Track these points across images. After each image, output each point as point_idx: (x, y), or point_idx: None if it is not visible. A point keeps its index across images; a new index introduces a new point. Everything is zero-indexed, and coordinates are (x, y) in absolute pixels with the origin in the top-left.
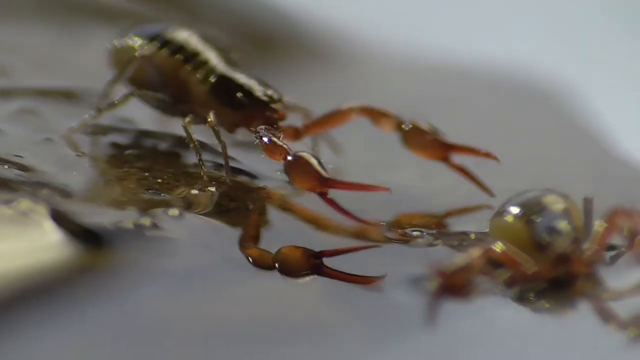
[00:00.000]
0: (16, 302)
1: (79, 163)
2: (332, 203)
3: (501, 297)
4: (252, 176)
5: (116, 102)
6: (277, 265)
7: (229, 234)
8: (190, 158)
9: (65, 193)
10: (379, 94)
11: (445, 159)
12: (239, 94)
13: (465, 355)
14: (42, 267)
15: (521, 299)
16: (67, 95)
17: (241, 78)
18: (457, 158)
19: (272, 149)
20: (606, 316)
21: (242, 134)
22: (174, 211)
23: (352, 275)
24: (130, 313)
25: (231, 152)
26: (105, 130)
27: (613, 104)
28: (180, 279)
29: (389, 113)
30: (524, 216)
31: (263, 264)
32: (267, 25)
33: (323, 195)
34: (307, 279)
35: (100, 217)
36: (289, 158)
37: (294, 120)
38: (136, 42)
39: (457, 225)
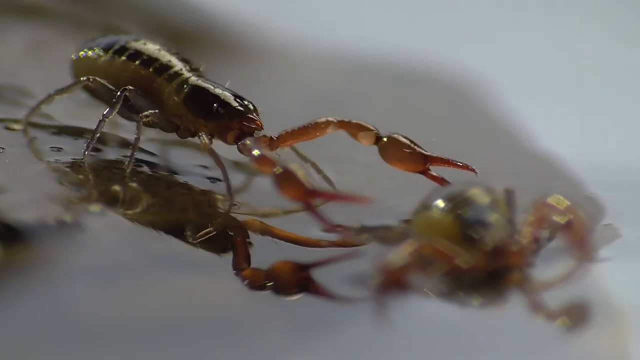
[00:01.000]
0: None
1: None
2: (315, 213)
3: (434, 292)
4: (173, 171)
5: (111, 109)
6: (268, 283)
7: (150, 230)
8: (111, 154)
9: None
10: (291, 89)
11: (424, 171)
12: (215, 105)
13: (392, 352)
14: None
15: (452, 293)
16: None
17: (215, 88)
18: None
19: (262, 162)
20: (537, 307)
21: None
22: (96, 207)
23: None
24: (52, 310)
25: (149, 147)
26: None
27: (528, 99)
28: (102, 276)
29: (366, 126)
30: (452, 210)
31: (256, 282)
32: (178, 20)
33: (308, 205)
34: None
35: (21, 213)
36: (276, 170)
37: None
38: (100, 53)
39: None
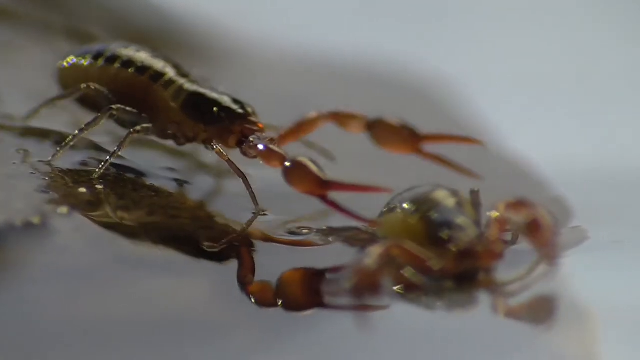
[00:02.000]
0: None
1: None
2: (333, 205)
3: (403, 294)
4: (140, 174)
5: (94, 121)
6: (279, 301)
7: (118, 233)
8: (77, 156)
9: None
10: (257, 90)
11: (418, 150)
12: (216, 109)
13: (366, 352)
14: None
15: (420, 295)
16: None
17: (213, 93)
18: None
19: (269, 156)
20: (504, 309)
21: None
22: (63, 209)
23: (360, 306)
24: (19, 312)
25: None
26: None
27: (495, 101)
28: (70, 278)
29: (355, 114)
30: (418, 212)
31: (265, 299)
32: (144, 21)
33: (324, 197)
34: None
35: None
36: (287, 164)
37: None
38: (91, 61)
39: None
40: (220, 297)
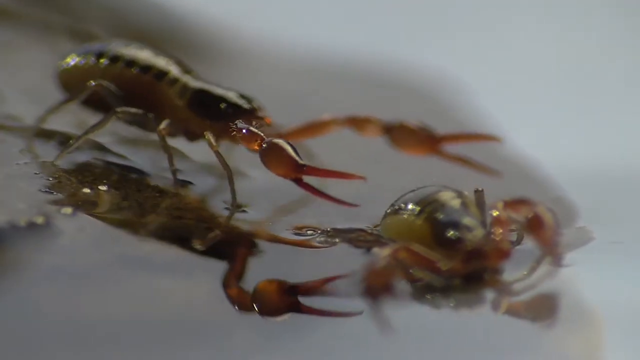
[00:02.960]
0: None
1: None
2: (308, 187)
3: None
4: (144, 174)
5: (99, 123)
6: (255, 306)
7: (121, 233)
8: (80, 157)
9: None
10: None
11: (437, 152)
12: (223, 105)
13: (363, 355)
14: None
15: (425, 295)
16: None
17: (218, 89)
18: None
19: (248, 138)
20: (510, 308)
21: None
22: (67, 209)
23: (332, 312)
24: (23, 312)
25: (120, 149)
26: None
27: (499, 101)
28: (74, 278)
29: (372, 119)
30: (424, 213)
31: (242, 303)
32: (145, 21)
33: (298, 180)
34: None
35: None
36: (264, 145)
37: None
38: (93, 61)
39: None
40: (222, 298)
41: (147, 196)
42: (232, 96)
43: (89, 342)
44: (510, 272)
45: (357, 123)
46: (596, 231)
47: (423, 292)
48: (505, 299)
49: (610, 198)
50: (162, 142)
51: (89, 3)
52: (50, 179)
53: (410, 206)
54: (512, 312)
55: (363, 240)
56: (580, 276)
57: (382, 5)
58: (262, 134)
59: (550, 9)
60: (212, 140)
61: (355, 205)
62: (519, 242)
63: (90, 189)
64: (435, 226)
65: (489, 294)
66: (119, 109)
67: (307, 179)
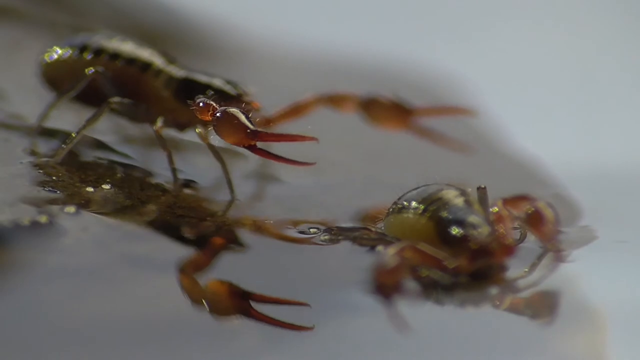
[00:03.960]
0: None
1: None
2: (262, 153)
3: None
4: (147, 173)
5: (94, 116)
6: (205, 302)
7: (125, 232)
8: (84, 155)
9: None
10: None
11: (410, 126)
12: (208, 93)
13: (365, 355)
14: None
15: (429, 294)
16: None
17: (203, 77)
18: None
19: (202, 109)
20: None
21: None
22: (70, 208)
23: (282, 322)
24: (27, 311)
25: (123, 148)
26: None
27: (503, 100)
28: (77, 277)
29: (349, 95)
30: (428, 212)
31: (192, 295)
32: (151, 20)
33: (252, 147)
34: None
35: None
36: (217, 114)
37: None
38: (77, 55)
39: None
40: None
41: (150, 195)
42: (217, 83)
43: (93, 341)
44: (513, 270)
45: (335, 100)
46: (600, 230)
47: (429, 290)
48: (509, 296)
49: (614, 197)
50: (160, 141)
51: (96, 3)
52: (54, 178)
53: (413, 204)
54: (515, 309)
55: (367, 239)
56: (584, 275)
57: (386, 4)
58: (215, 104)
59: (552, 9)
60: (203, 133)
61: (311, 164)
62: (522, 239)
63: (94, 187)
64: (440, 224)
65: (493, 292)
66: (112, 100)
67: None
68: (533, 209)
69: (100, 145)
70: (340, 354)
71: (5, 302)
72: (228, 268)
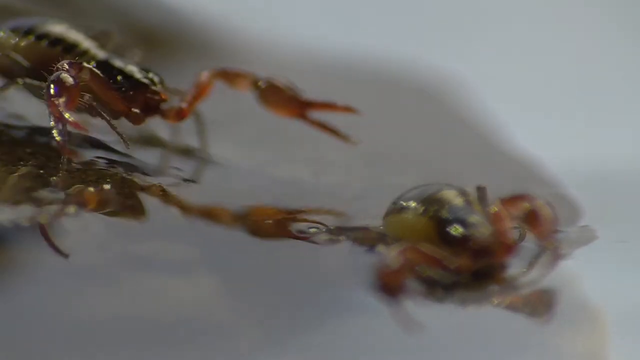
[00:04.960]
0: None
1: None
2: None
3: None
4: (147, 173)
5: None
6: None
7: (125, 231)
8: (85, 155)
9: None
10: None
11: (303, 116)
12: (119, 77)
13: (366, 355)
14: None
15: (431, 293)
16: None
17: (119, 63)
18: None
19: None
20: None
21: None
22: (71, 208)
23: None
24: (26, 311)
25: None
26: None
27: (503, 101)
28: (77, 277)
29: (243, 73)
30: (428, 212)
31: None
32: (150, 20)
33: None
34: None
35: None
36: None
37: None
38: (8, 35)
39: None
40: (226, 297)
41: (150, 194)
42: (130, 69)
43: (93, 341)
44: (512, 269)
45: (228, 76)
46: (600, 230)
47: (430, 290)
48: (509, 295)
49: (614, 197)
50: (91, 111)
51: (98, 2)
52: (54, 177)
53: (413, 204)
54: (514, 307)
55: (367, 238)
56: (584, 275)
57: (388, 5)
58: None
59: (553, 9)
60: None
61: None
62: (522, 238)
63: (95, 187)
64: (440, 224)
65: (494, 291)
66: (20, 80)
67: None
68: (530, 208)
69: (101, 145)
70: (340, 353)
71: (5, 302)
72: (227, 265)
